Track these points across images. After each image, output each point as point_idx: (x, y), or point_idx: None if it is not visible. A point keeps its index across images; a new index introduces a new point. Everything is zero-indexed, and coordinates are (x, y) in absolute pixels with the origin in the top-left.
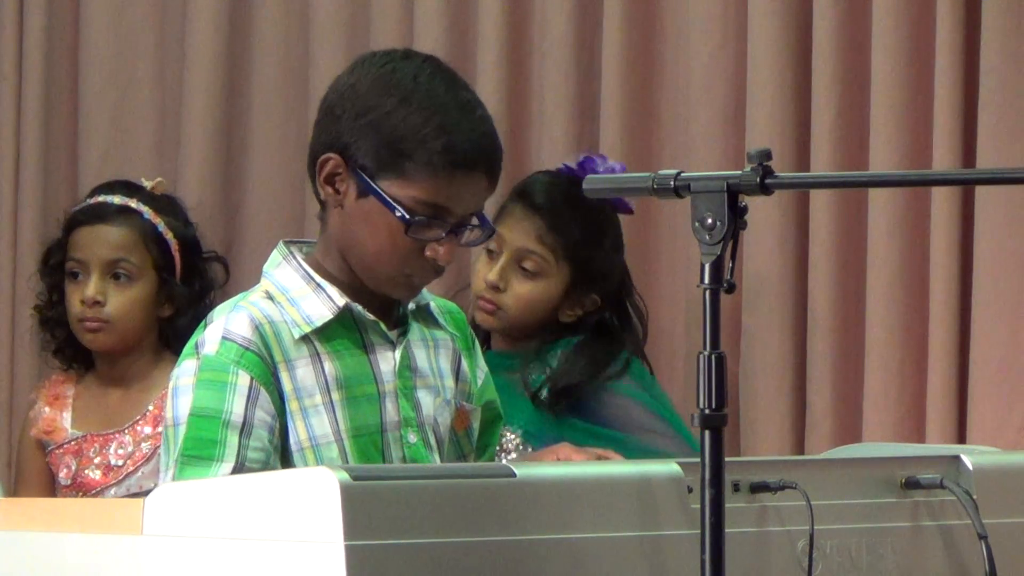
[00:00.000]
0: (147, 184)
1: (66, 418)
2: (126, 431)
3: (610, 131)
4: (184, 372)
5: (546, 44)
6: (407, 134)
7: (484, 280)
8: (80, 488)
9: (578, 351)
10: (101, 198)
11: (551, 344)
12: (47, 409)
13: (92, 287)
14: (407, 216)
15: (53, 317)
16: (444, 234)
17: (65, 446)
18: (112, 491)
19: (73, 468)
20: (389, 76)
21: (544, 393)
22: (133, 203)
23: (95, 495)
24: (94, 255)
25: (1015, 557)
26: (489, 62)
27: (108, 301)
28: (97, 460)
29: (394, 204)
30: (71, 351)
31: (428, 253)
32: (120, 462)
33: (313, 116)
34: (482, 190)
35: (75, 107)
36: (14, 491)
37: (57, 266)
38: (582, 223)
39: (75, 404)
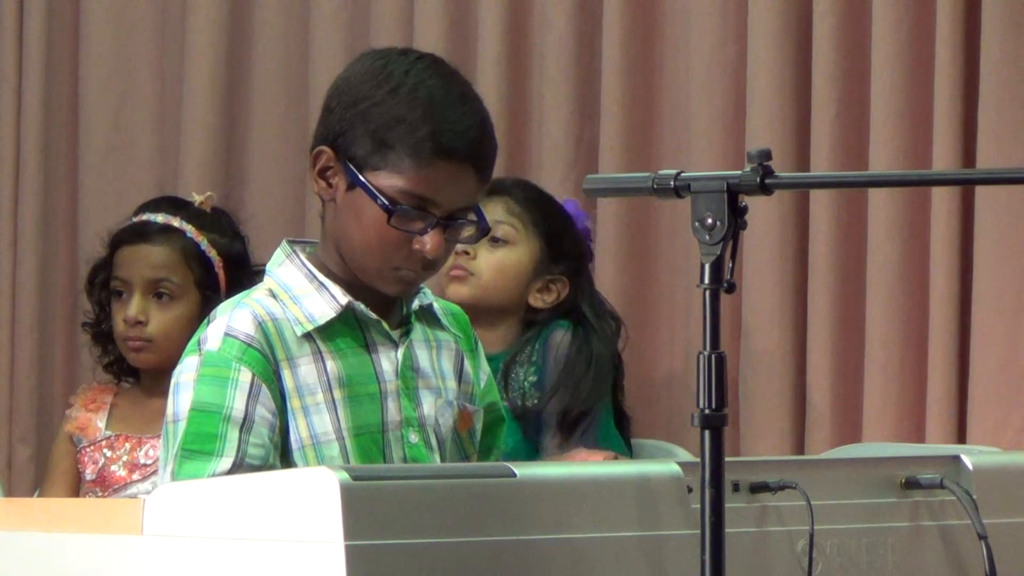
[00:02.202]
0: (196, 199)
1: (101, 421)
2: (160, 437)
3: (610, 131)
4: (186, 368)
5: (546, 44)
6: (392, 123)
7: (453, 254)
8: (104, 484)
9: (572, 371)
10: (145, 216)
11: (527, 340)
12: (83, 411)
13: (134, 307)
14: (388, 205)
15: (104, 332)
16: (429, 226)
17: (97, 443)
18: (135, 488)
19: (100, 463)
20: (381, 69)
21: (533, 401)
22: (176, 222)
23: (117, 490)
24: (136, 275)
25: (1015, 557)
26: (489, 62)
27: (150, 320)
28: (125, 459)
29: (376, 193)
30: (123, 365)
31: (415, 246)
32: (148, 462)
33: (313, 115)
34: (470, 182)
35: (75, 107)
36: (40, 489)
37: (103, 284)
38: (549, 204)
39: (112, 411)
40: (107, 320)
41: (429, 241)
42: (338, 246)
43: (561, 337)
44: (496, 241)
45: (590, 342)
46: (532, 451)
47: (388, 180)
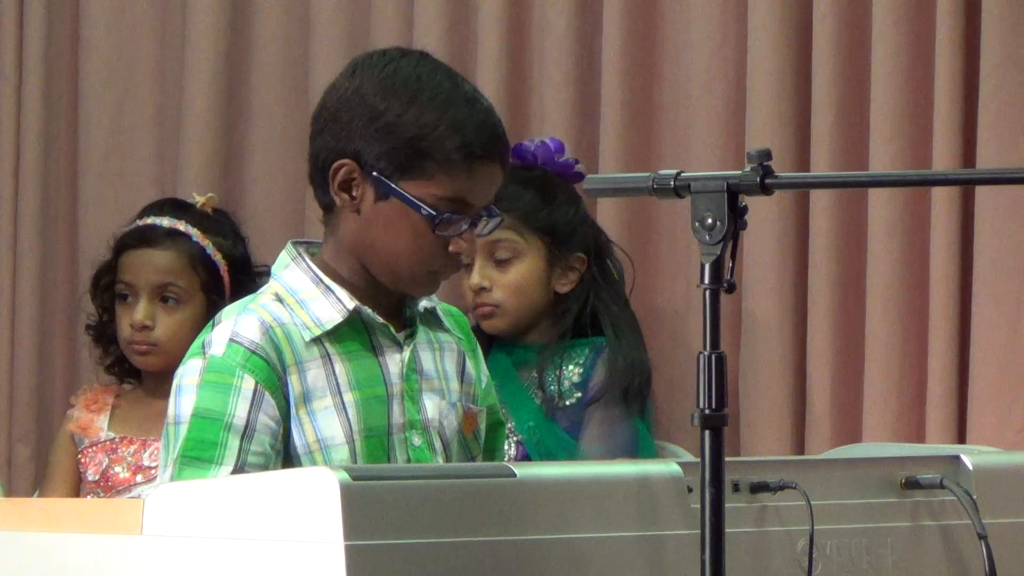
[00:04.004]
0: (198, 200)
1: (103, 421)
2: None
3: (610, 131)
4: (189, 371)
5: (546, 44)
6: (423, 134)
7: (469, 288)
8: (107, 485)
9: (610, 362)
10: (150, 220)
11: (569, 344)
12: (85, 411)
13: (141, 311)
14: (433, 214)
15: (106, 335)
16: (466, 227)
17: (99, 444)
18: (138, 489)
19: (104, 465)
20: (392, 77)
21: (570, 400)
22: (181, 226)
23: (120, 492)
24: (142, 279)
25: (1015, 557)
26: (489, 62)
27: (156, 325)
28: (130, 460)
29: (419, 203)
30: (125, 366)
31: (452, 248)
32: (152, 464)
33: None
34: (497, 178)
35: (75, 107)
36: (40, 488)
37: (107, 287)
38: (529, 192)
39: (114, 412)
40: (111, 323)
41: (465, 242)
42: (360, 255)
43: (611, 354)
44: (501, 259)
45: (636, 352)
46: (563, 442)
47: (425, 189)
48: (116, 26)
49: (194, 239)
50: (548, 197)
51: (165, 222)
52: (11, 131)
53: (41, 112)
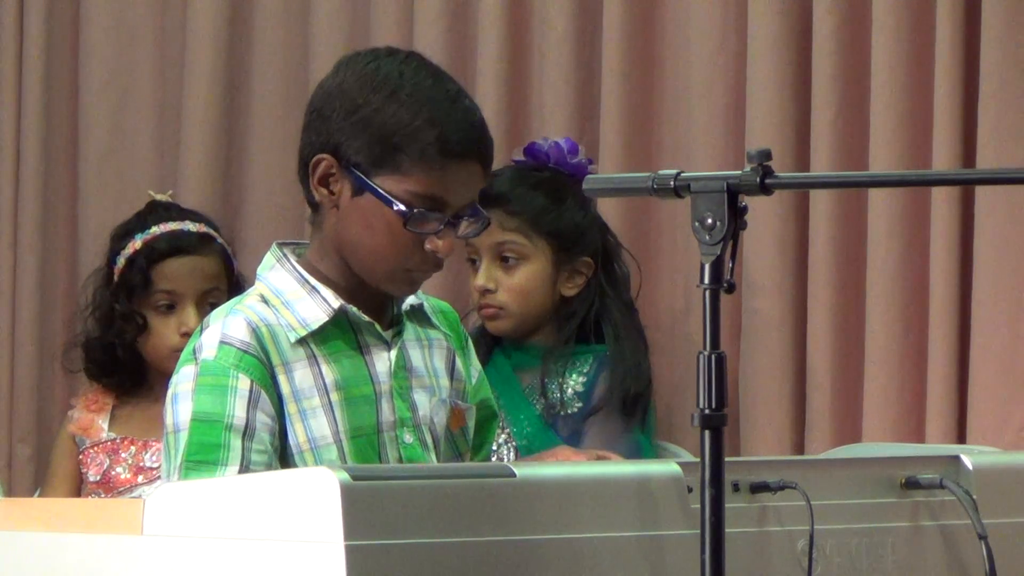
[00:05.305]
0: (160, 198)
1: (104, 422)
2: None
3: (610, 131)
4: (183, 378)
5: (546, 44)
6: (398, 128)
7: (474, 289)
8: (108, 485)
9: (612, 371)
10: (173, 226)
11: (572, 351)
12: (85, 412)
13: (194, 318)
14: (404, 209)
15: (100, 344)
16: (442, 226)
17: (100, 445)
18: (139, 491)
19: (105, 466)
20: (374, 73)
21: (572, 410)
22: (205, 228)
23: (122, 492)
24: (189, 287)
25: (1015, 557)
26: (489, 62)
27: None
28: (130, 461)
29: (391, 199)
30: (121, 372)
31: (428, 246)
32: (153, 465)
33: None
34: (477, 179)
35: (75, 107)
36: (41, 489)
37: (143, 298)
38: (538, 194)
39: (115, 413)
40: (138, 335)
41: (442, 241)
42: (341, 252)
43: (613, 364)
44: (507, 261)
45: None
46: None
47: (399, 184)
48: (116, 27)
49: (219, 241)
50: (557, 200)
51: (191, 227)
52: (11, 131)
53: (41, 112)
